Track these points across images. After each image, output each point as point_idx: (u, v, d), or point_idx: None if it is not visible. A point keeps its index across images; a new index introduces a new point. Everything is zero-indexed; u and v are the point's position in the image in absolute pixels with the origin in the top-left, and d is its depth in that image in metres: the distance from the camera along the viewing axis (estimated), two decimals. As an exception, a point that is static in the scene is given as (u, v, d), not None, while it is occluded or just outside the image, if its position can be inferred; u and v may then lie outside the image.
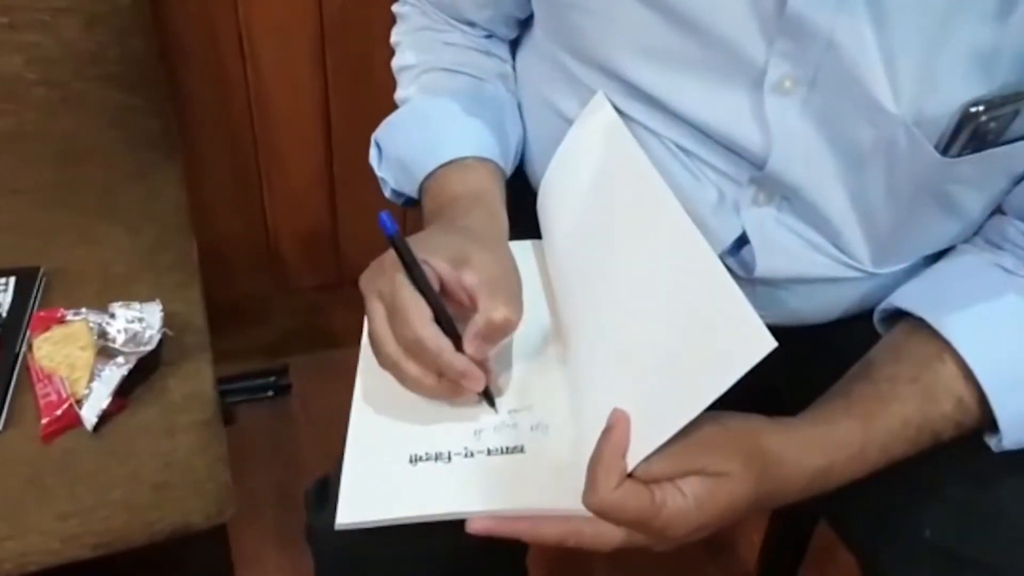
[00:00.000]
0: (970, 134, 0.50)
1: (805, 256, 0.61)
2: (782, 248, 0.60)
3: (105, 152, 0.98)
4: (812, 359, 0.61)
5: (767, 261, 0.60)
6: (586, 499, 0.48)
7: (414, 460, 0.53)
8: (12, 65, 0.91)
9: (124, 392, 0.76)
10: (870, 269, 0.62)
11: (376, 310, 0.56)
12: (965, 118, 0.50)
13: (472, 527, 0.51)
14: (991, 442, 0.56)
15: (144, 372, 0.78)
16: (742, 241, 0.61)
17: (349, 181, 1.28)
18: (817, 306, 0.64)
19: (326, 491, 0.61)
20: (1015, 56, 0.50)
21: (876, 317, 0.62)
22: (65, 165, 0.96)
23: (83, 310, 0.81)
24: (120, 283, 0.86)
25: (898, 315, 0.60)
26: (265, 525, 1.21)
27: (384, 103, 1.19)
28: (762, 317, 0.45)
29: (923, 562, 0.59)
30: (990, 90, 0.50)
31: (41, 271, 0.85)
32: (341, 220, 1.32)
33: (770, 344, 0.43)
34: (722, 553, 1.24)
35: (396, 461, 0.53)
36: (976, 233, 0.62)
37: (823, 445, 0.53)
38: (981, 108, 0.49)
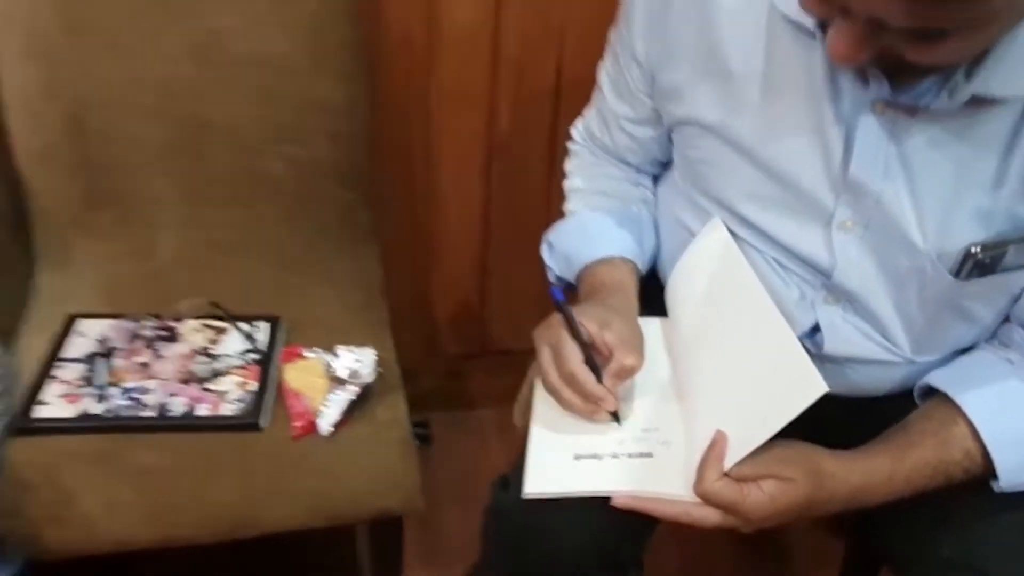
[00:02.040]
0: (972, 265, 0.74)
1: (861, 343, 0.84)
2: (844, 336, 0.84)
3: (328, 233, 1.29)
4: (865, 419, 0.83)
5: (832, 344, 0.84)
6: (695, 488, 0.73)
7: (577, 458, 0.79)
8: (275, 169, 1.23)
9: (348, 412, 1.04)
10: (910, 357, 0.84)
11: (545, 352, 0.82)
12: (968, 255, 0.74)
13: (616, 502, 0.75)
14: (993, 485, 0.78)
15: (361, 399, 1.06)
16: (816, 329, 0.85)
17: (500, 269, 1.56)
18: (870, 382, 0.87)
19: (506, 485, 0.86)
20: (1006, 214, 0.74)
21: (916, 392, 0.85)
22: (301, 241, 1.27)
23: (317, 349, 1.09)
24: (338, 331, 1.14)
25: (930, 391, 0.82)
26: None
27: (533, 207, 1.48)
28: (829, 386, 0.67)
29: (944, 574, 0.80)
30: (987, 236, 0.74)
31: (281, 319, 1.15)
32: (489, 300, 1.61)
33: (823, 388, 0.67)
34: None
35: (564, 457, 0.79)
36: (992, 335, 0.84)
37: (863, 471, 0.75)
38: (978, 249, 0.73)
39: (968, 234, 0.74)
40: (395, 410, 1.07)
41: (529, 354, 0.86)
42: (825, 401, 0.67)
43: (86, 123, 1.16)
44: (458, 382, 1.70)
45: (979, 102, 0.69)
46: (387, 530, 1.09)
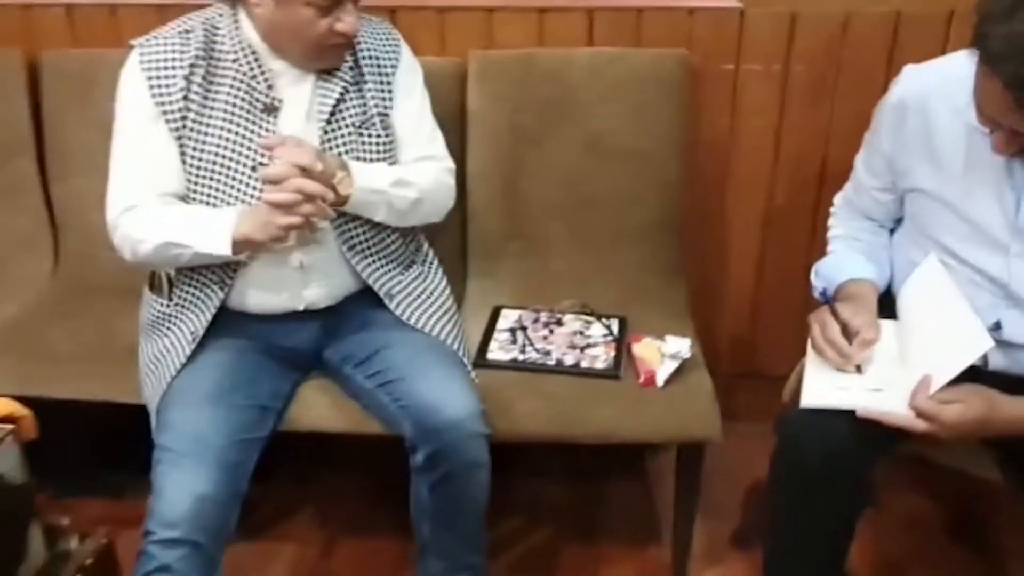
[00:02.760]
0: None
1: (1032, 335, 1.29)
2: (1018, 329, 1.29)
3: (654, 266, 1.88)
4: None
5: (1010, 333, 1.29)
6: (911, 403, 1.21)
7: (834, 388, 1.29)
8: (627, 222, 1.85)
9: (673, 374, 1.60)
10: (1069, 346, 1.28)
11: (815, 326, 1.34)
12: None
13: (860, 413, 1.25)
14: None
15: (681, 368, 1.61)
16: (998, 324, 1.30)
17: (768, 310, 2.08)
18: None
19: (785, 418, 1.37)
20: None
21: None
22: (637, 270, 1.87)
23: (647, 337, 1.67)
24: (658, 326, 1.70)
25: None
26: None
27: (796, 264, 1.98)
28: (1006, 367, 1.16)
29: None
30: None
31: (627, 318, 1.74)
32: (758, 333, 2.12)
33: (989, 343, 1.15)
34: None
35: (827, 387, 1.30)
36: None
37: (1021, 407, 1.20)
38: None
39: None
40: (702, 377, 1.61)
41: (784, 379, 1.39)
42: (1006, 381, 1.14)
43: (515, 187, 1.86)
44: (730, 398, 2.19)
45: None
46: (693, 452, 1.62)
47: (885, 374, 1.30)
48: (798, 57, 1.86)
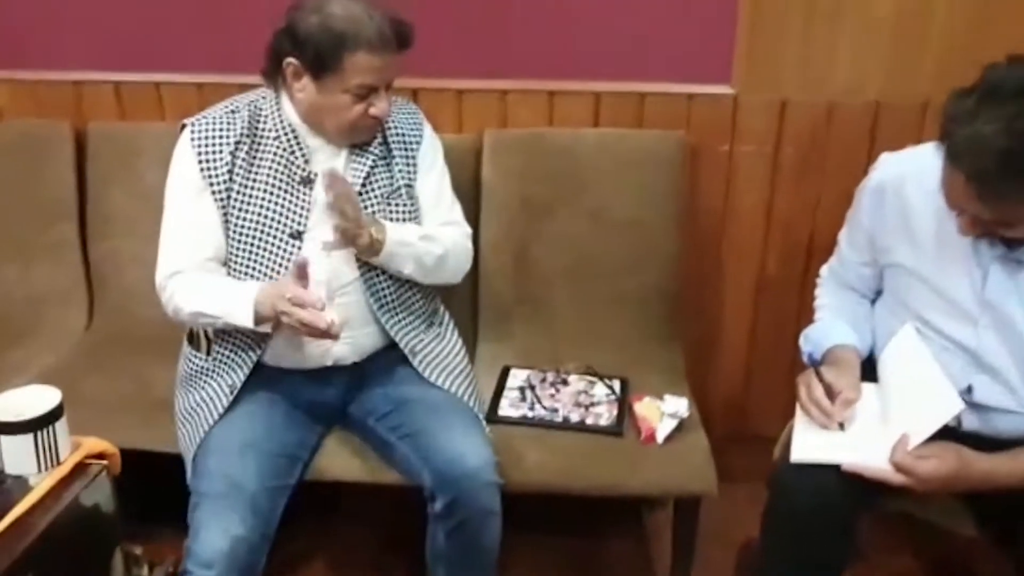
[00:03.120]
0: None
1: (998, 398, 1.41)
2: (987, 393, 1.41)
3: (652, 330, 2.01)
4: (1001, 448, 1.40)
5: (980, 396, 1.41)
6: (891, 459, 1.33)
7: (819, 446, 1.41)
8: (628, 288, 1.99)
9: (673, 432, 1.71)
10: (1034, 409, 1.41)
11: (802, 387, 1.47)
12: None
13: (844, 467, 1.36)
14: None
15: (679, 427, 1.73)
16: (970, 388, 1.43)
17: (759, 373, 2.21)
18: (1005, 426, 1.42)
19: (777, 473, 1.49)
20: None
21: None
22: (637, 334, 2.00)
23: (647, 397, 1.79)
24: (657, 387, 1.83)
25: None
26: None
27: (786, 328, 2.11)
28: (977, 429, 1.29)
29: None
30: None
31: (628, 379, 1.86)
32: (750, 396, 2.24)
33: (960, 405, 1.28)
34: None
35: (813, 444, 1.42)
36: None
37: (991, 462, 1.32)
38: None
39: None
40: (698, 436, 1.73)
41: (775, 440, 1.51)
42: (979, 441, 1.28)
43: (524, 254, 2.00)
44: (723, 459, 2.28)
45: (1053, 258, 1.30)
46: (689, 507, 1.73)
47: (867, 432, 1.42)
48: (787, 140, 2.02)
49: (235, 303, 1.53)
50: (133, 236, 2.08)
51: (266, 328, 1.55)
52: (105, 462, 0.92)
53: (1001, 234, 1.27)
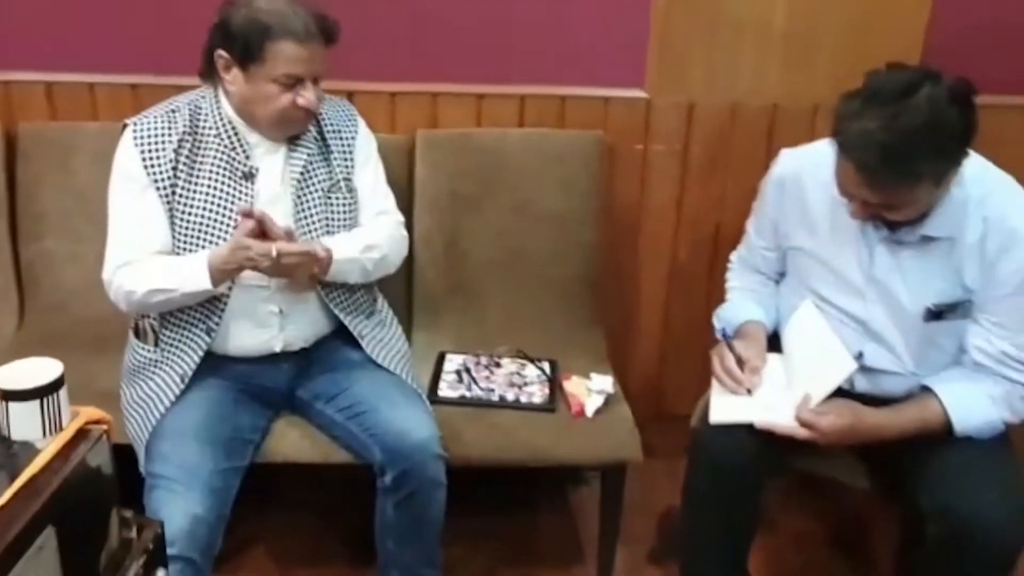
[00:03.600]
0: (932, 315, 1.53)
1: (885, 362, 1.61)
2: (876, 358, 1.61)
3: (575, 315, 2.16)
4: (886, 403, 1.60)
5: (870, 361, 1.61)
6: (796, 416, 1.51)
7: (733, 408, 1.58)
8: (553, 277, 2.13)
9: (600, 407, 1.86)
10: (913, 371, 1.60)
11: (715, 358, 1.64)
12: (929, 310, 1.53)
13: (757, 425, 1.54)
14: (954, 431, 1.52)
15: (605, 402, 1.88)
16: (861, 354, 1.62)
17: (673, 355, 2.39)
18: (891, 386, 1.62)
19: (697, 433, 1.66)
20: (949, 290, 1.52)
21: (919, 388, 1.61)
22: (562, 319, 2.14)
23: (575, 376, 1.94)
24: (583, 367, 1.97)
25: (925, 387, 1.59)
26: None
27: (697, 314, 2.29)
28: (866, 389, 1.52)
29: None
30: (939, 301, 1.52)
31: (558, 361, 2.00)
32: (665, 376, 2.42)
33: (853, 365, 1.47)
34: None
35: (728, 407, 1.59)
36: (957, 360, 1.60)
37: (881, 415, 1.52)
38: (934, 306, 1.52)
39: (930, 300, 1.53)
40: (623, 409, 1.88)
41: (689, 417, 1.69)
42: (870, 400, 1.48)
43: (455, 247, 2.12)
44: (642, 436, 2.44)
45: (928, 238, 1.50)
46: (615, 476, 1.88)
47: (776, 395, 1.60)
48: (695, 139, 2.21)
49: (189, 270, 1.59)
50: (66, 236, 2.10)
51: (225, 287, 1.62)
52: (105, 427, 0.99)
53: (885, 216, 1.46)
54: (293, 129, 1.70)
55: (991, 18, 2.14)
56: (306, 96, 1.62)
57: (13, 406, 0.95)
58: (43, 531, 0.88)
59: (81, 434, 0.98)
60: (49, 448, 0.94)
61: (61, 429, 0.97)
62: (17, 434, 0.96)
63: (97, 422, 1.00)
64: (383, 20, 2.07)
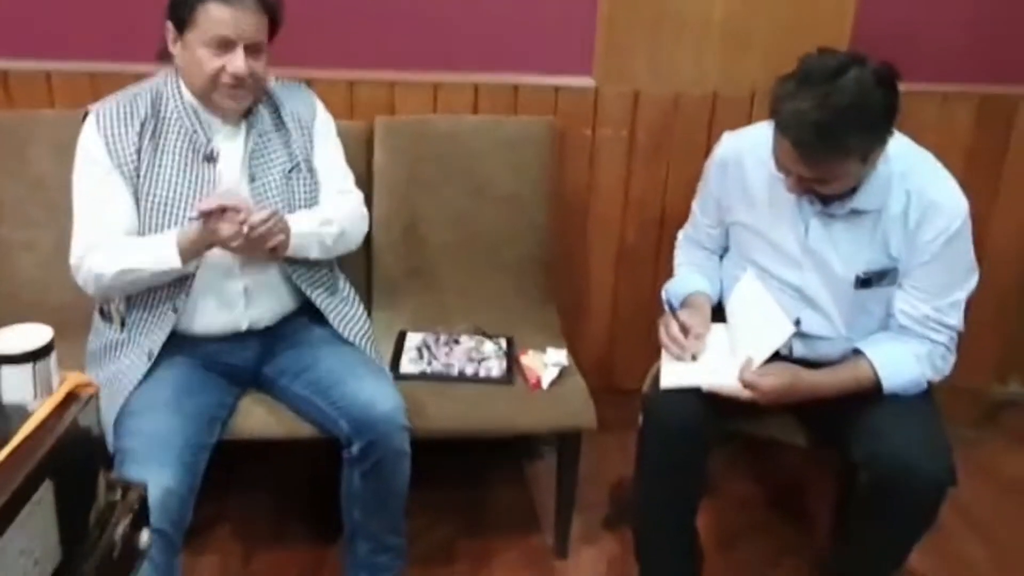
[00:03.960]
0: (861, 282, 1.65)
1: (819, 327, 1.73)
2: (812, 323, 1.73)
3: (530, 293, 2.25)
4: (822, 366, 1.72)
5: (807, 327, 1.72)
6: (739, 378, 1.62)
7: (681, 373, 1.69)
8: (508, 257, 2.21)
9: (556, 378, 1.95)
10: (845, 335, 1.73)
11: (662, 327, 1.74)
12: (859, 277, 1.65)
13: (704, 389, 1.64)
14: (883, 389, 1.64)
15: (560, 374, 1.97)
16: (798, 321, 1.74)
17: (623, 331, 2.49)
18: (826, 350, 1.74)
19: (648, 398, 1.75)
20: (878, 260, 1.64)
21: (850, 351, 1.73)
22: (518, 298, 2.23)
23: (531, 351, 2.02)
24: (539, 342, 2.07)
25: (856, 350, 1.71)
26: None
27: (644, 290, 2.40)
28: (805, 354, 1.64)
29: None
30: (868, 269, 1.65)
31: (514, 337, 2.08)
32: (615, 351, 2.52)
33: (792, 329, 1.59)
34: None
35: (676, 372, 1.69)
36: (886, 324, 1.73)
37: (818, 375, 1.64)
38: (863, 274, 1.64)
39: (860, 268, 1.66)
40: (577, 381, 1.98)
41: (639, 392, 1.79)
42: (807, 364, 1.60)
43: (414, 230, 2.19)
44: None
45: (857, 211, 1.62)
46: (571, 446, 1.97)
47: (720, 360, 1.71)
48: (640, 125, 2.31)
49: (158, 248, 1.64)
50: (22, 224, 2.10)
51: (193, 266, 1.67)
52: (93, 390, 1.04)
53: (818, 190, 1.58)
54: (229, 101, 1.69)
55: (913, 11, 2.28)
56: (235, 63, 1.64)
57: (6, 369, 0.99)
58: (41, 485, 0.93)
59: (71, 396, 1.03)
60: (43, 408, 0.99)
61: (51, 392, 1.02)
62: (9, 397, 1.00)
63: (85, 386, 1.05)
64: (342, 9, 2.13)
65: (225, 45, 1.64)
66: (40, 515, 0.93)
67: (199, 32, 1.63)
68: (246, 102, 1.73)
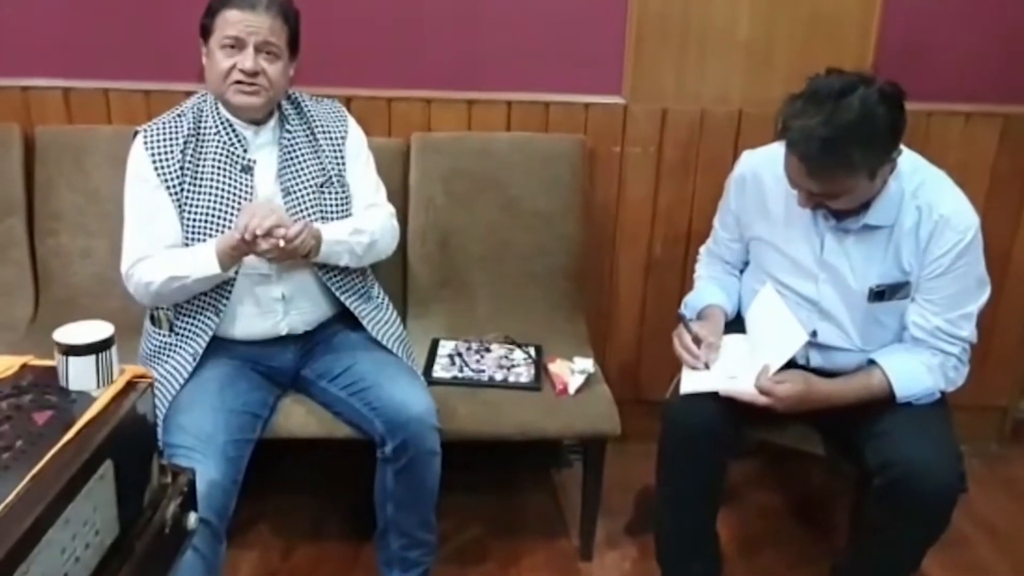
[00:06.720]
0: (875, 296, 1.71)
1: (836, 339, 1.78)
2: (828, 336, 1.79)
3: (559, 304, 2.33)
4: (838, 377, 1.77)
5: (823, 338, 1.78)
6: (756, 384, 1.68)
7: (700, 379, 1.75)
8: (538, 269, 2.30)
9: (582, 386, 2.02)
10: (860, 347, 1.78)
11: (676, 339, 1.81)
12: (872, 291, 1.71)
13: (721, 394, 1.71)
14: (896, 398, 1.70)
15: (586, 382, 2.04)
16: (815, 332, 1.80)
17: (650, 343, 2.56)
18: (842, 360, 1.80)
19: (669, 404, 1.82)
20: (890, 274, 1.70)
21: (865, 362, 1.78)
22: (547, 308, 2.31)
23: (559, 359, 2.10)
24: (566, 351, 2.14)
25: (870, 360, 1.76)
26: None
27: (671, 302, 2.46)
28: (820, 364, 1.71)
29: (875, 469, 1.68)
30: (881, 282, 1.70)
31: (543, 346, 2.16)
32: (643, 364, 2.59)
33: (805, 337, 1.65)
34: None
35: (695, 379, 1.76)
36: (900, 337, 1.78)
37: (832, 385, 1.70)
38: (877, 287, 1.70)
39: (873, 281, 1.71)
40: (603, 389, 2.05)
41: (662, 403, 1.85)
42: (823, 374, 1.66)
43: (447, 243, 2.28)
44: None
45: (870, 227, 1.68)
46: (597, 452, 2.04)
47: (739, 367, 1.77)
48: (668, 142, 2.38)
49: (199, 257, 1.75)
50: (80, 232, 2.24)
51: (233, 271, 1.77)
52: (149, 381, 1.14)
53: (828, 205, 1.64)
54: (240, 96, 1.77)
55: (936, 31, 2.33)
56: (244, 63, 1.74)
57: (72, 360, 1.10)
58: (103, 463, 1.03)
59: (130, 386, 1.14)
60: (106, 394, 1.09)
61: (112, 381, 1.13)
62: (75, 385, 1.11)
63: (142, 377, 1.15)
64: (381, 31, 2.24)
65: (237, 45, 1.76)
66: (102, 490, 1.03)
67: (217, 37, 1.76)
68: (258, 101, 1.80)
